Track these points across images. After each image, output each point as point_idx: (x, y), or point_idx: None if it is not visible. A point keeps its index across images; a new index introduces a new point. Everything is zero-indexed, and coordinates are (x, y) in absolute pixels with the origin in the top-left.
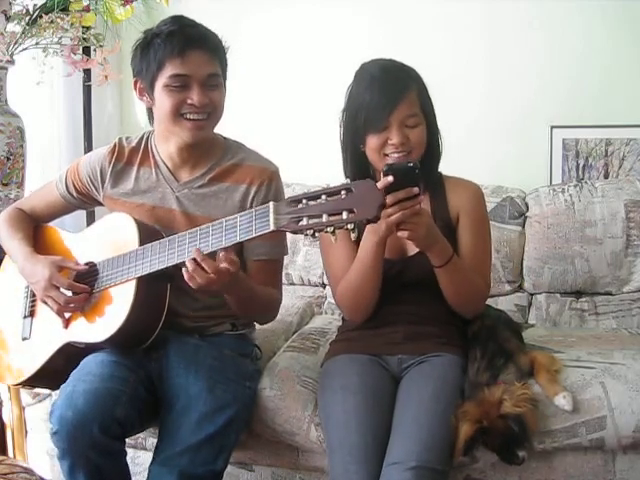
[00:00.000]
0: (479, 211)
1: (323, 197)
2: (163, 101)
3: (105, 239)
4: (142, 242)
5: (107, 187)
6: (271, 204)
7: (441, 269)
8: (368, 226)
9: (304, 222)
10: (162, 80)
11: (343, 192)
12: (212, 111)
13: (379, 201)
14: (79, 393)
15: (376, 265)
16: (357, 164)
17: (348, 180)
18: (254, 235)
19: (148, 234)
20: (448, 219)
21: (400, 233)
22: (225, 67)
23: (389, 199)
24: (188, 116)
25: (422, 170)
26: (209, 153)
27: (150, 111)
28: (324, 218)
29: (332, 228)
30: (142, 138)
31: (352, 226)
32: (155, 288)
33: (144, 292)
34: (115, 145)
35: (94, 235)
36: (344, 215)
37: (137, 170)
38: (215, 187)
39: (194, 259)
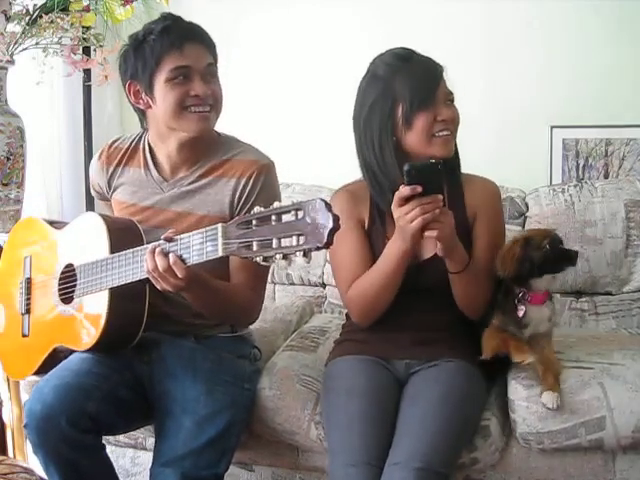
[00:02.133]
0: (496, 211)
1: (273, 218)
2: (166, 96)
3: (80, 240)
4: (112, 245)
5: (110, 191)
6: (219, 226)
7: (458, 275)
8: (396, 233)
9: (254, 247)
10: (163, 75)
11: (292, 212)
12: (214, 103)
13: (329, 225)
14: (50, 387)
15: (399, 273)
16: (395, 158)
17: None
18: (205, 259)
19: (119, 236)
20: (465, 218)
21: (428, 233)
22: (217, 63)
23: (411, 205)
24: (192, 109)
25: (447, 166)
26: (205, 152)
27: (143, 114)
28: (274, 243)
29: (281, 255)
30: (134, 139)
31: (302, 254)
32: (131, 291)
33: (119, 298)
34: (103, 150)
35: (72, 234)
36: (294, 240)
37: (128, 170)
38: (203, 182)
39: (152, 252)
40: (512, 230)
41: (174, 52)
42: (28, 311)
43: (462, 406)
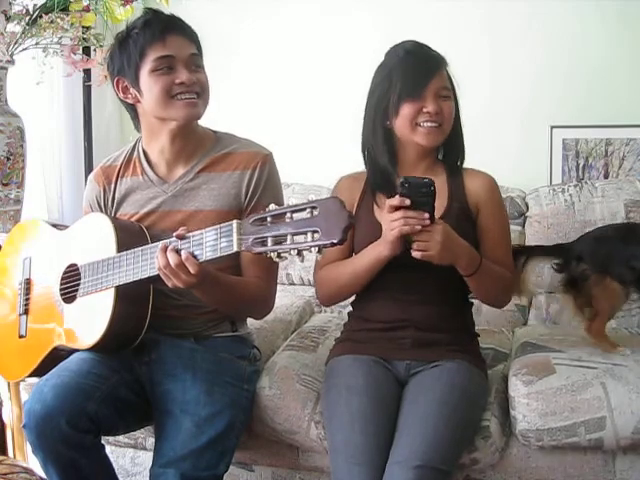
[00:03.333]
0: (498, 200)
1: (288, 215)
2: (152, 87)
3: (85, 240)
4: (120, 245)
5: (113, 209)
6: (235, 223)
7: (470, 277)
8: (382, 238)
9: (268, 243)
10: (147, 66)
11: (308, 210)
12: (201, 91)
13: (344, 223)
14: (49, 387)
15: (370, 274)
16: (380, 140)
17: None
18: (219, 254)
19: (126, 236)
20: (465, 203)
21: (414, 254)
22: (201, 54)
23: (398, 214)
24: (179, 97)
25: (446, 149)
26: (200, 146)
27: (134, 112)
28: (288, 239)
29: (296, 251)
30: (128, 151)
31: (317, 249)
32: (136, 291)
33: (124, 299)
34: (97, 171)
35: (76, 235)
36: (308, 236)
37: (127, 182)
38: (206, 177)
39: (164, 249)
40: (512, 230)
41: (156, 43)
42: (26, 312)
43: (462, 406)
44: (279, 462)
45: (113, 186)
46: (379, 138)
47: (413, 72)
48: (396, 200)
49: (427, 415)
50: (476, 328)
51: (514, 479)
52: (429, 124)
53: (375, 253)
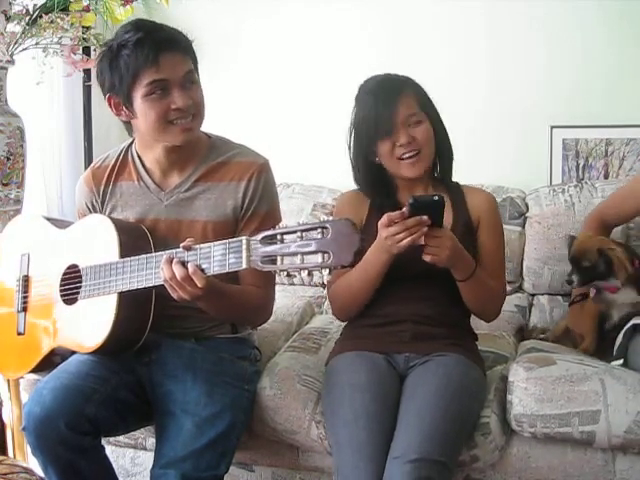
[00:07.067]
0: (496, 217)
1: (298, 234)
2: (147, 112)
3: (87, 241)
4: (122, 248)
5: (104, 212)
6: (244, 239)
7: (464, 282)
8: (377, 245)
9: (278, 262)
10: (140, 90)
11: (319, 230)
12: (196, 112)
13: (355, 246)
14: (48, 390)
15: (379, 277)
16: (372, 175)
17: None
18: (227, 270)
19: (129, 239)
20: (470, 223)
21: (425, 258)
22: (197, 63)
23: (398, 227)
24: (176, 122)
25: (438, 173)
26: (195, 154)
27: (128, 124)
28: (298, 259)
29: (306, 272)
30: (121, 152)
31: (327, 271)
32: (138, 294)
33: (127, 302)
34: (88, 172)
35: (77, 235)
36: (319, 258)
37: (120, 186)
38: (202, 187)
39: (169, 261)
40: (512, 230)
41: (150, 66)
42: (24, 309)
43: (459, 398)
44: (279, 462)
45: (103, 188)
46: (374, 174)
47: (377, 111)
48: (400, 215)
49: (424, 408)
50: (476, 331)
51: (514, 479)
52: (407, 155)
53: (379, 260)
